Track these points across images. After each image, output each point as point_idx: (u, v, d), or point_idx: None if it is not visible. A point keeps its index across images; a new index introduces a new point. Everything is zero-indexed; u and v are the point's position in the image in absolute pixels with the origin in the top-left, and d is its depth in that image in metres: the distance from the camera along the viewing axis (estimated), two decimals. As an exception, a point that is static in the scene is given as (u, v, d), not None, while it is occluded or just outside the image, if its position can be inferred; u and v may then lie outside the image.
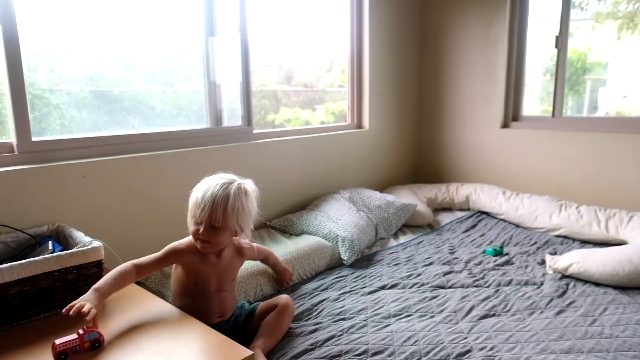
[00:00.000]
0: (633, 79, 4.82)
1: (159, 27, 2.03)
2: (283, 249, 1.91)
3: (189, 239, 1.36)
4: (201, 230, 1.28)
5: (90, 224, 1.65)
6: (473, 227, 2.55)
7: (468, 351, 1.34)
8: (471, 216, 2.70)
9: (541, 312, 1.59)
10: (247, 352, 1.06)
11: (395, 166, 3.10)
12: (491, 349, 1.35)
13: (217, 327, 1.35)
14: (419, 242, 2.31)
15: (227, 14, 2.16)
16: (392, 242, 2.32)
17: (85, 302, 1.10)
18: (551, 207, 2.43)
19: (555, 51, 2.68)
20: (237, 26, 2.17)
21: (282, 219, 2.25)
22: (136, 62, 2.12)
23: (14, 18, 1.51)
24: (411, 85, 3.15)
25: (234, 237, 1.41)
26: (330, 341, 1.40)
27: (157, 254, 1.33)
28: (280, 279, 1.75)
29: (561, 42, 2.65)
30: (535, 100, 4.56)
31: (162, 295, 1.51)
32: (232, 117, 2.27)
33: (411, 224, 2.55)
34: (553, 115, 2.74)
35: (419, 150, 3.29)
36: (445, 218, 2.71)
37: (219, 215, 1.27)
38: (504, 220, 2.61)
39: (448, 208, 2.88)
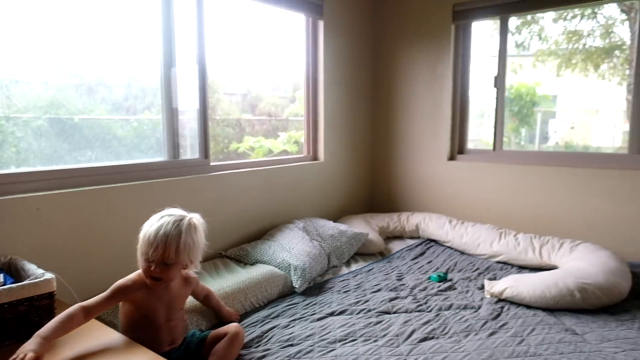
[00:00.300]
0: (578, 111, 5.19)
1: (120, 53, 2.11)
2: (236, 278, 1.98)
3: (136, 274, 1.41)
4: (153, 267, 1.34)
5: (44, 257, 1.68)
6: (422, 254, 2.69)
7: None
8: (420, 244, 2.84)
9: (476, 334, 1.71)
10: (193, 377, 1.12)
11: (350, 196, 3.23)
12: (427, 369, 1.46)
13: (167, 355, 1.41)
14: (370, 270, 2.42)
15: (186, 45, 2.25)
16: (344, 270, 2.42)
17: (28, 351, 1.11)
18: (492, 235, 2.60)
19: (499, 89, 2.91)
20: (196, 57, 2.26)
21: (237, 249, 2.32)
22: (98, 89, 2.18)
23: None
24: (365, 119, 3.32)
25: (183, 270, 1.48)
26: (277, 366, 1.47)
27: (104, 293, 1.35)
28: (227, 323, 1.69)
29: (499, 82, 2.88)
30: (491, 130, 4.82)
31: (113, 325, 1.55)
32: (193, 149, 2.35)
33: (363, 252, 2.67)
34: (494, 149, 2.95)
35: (373, 181, 3.44)
36: (396, 246, 2.84)
37: (171, 253, 1.33)
38: (451, 248, 2.76)
39: (399, 236, 3.01)
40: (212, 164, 2.38)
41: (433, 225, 2.88)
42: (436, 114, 3.09)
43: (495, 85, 2.89)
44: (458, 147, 3.11)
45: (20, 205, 1.64)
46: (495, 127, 2.94)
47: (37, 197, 1.69)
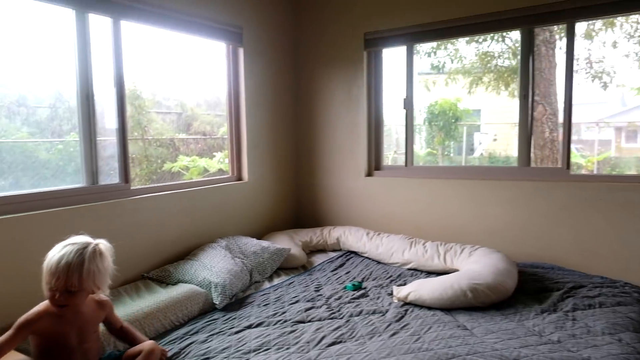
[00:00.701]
0: (500, 125, 5.64)
1: (43, 73, 2.13)
2: (156, 298, 2.05)
3: (42, 304, 1.44)
4: (57, 296, 1.39)
5: None
6: (341, 265, 2.85)
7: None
8: (341, 256, 3.02)
9: (379, 336, 1.89)
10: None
11: (275, 214, 3.36)
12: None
13: (81, 376, 1.46)
14: (290, 283, 2.55)
15: (105, 67, 2.30)
16: (266, 285, 2.54)
17: None
18: (403, 245, 2.82)
19: (408, 110, 3.16)
20: (113, 79, 2.32)
21: (160, 270, 2.38)
22: (19, 110, 2.17)
23: None
24: (289, 139, 3.48)
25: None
26: (190, 378, 1.56)
27: (9, 332, 1.38)
28: None
29: (407, 103, 3.14)
30: (424, 144, 5.11)
31: (26, 352, 1.58)
32: (113, 173, 2.40)
33: (286, 267, 2.80)
34: (406, 165, 3.20)
35: (298, 198, 3.60)
36: (318, 259, 2.99)
37: (74, 281, 1.38)
38: (368, 258, 2.95)
39: (322, 250, 3.18)
40: (133, 188, 2.44)
41: (352, 237, 3.07)
42: (353, 134, 3.30)
43: (404, 107, 3.15)
44: (375, 164, 3.33)
45: None
46: (406, 145, 3.19)
47: (-55, 228, 1.69)
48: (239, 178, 3.12)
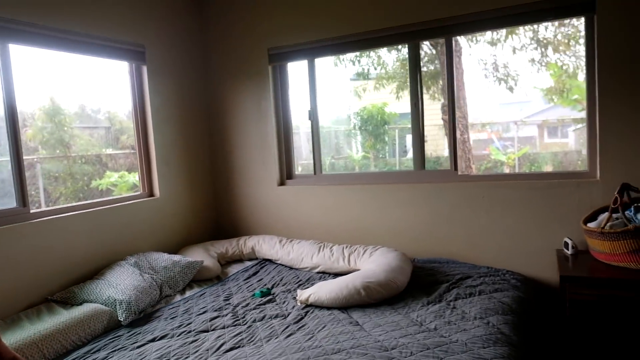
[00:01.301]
0: (429, 127, 5.92)
1: None
2: (57, 320, 2.06)
3: None
4: None
5: None
6: (255, 274, 2.96)
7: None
8: (256, 264, 3.12)
9: (276, 338, 2.01)
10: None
11: (191, 228, 3.41)
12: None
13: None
14: (202, 295, 2.62)
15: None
16: (177, 298, 2.59)
17: None
18: (312, 249, 2.96)
19: (313, 121, 3.33)
20: (2, 99, 2.29)
21: (64, 292, 2.37)
22: None
23: None
24: (203, 153, 3.55)
25: None
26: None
27: None
28: None
29: (313, 115, 3.30)
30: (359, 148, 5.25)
31: None
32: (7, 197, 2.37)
33: (200, 279, 2.86)
34: (315, 173, 3.36)
35: (216, 210, 3.66)
36: (233, 269, 3.08)
37: None
38: (281, 265, 3.08)
39: (239, 259, 3.26)
40: (32, 211, 2.42)
41: (266, 245, 3.18)
42: (264, 145, 3.42)
43: (310, 118, 3.32)
44: (287, 173, 3.47)
45: None
46: (313, 154, 3.36)
47: None
48: (151, 194, 3.15)
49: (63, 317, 2.09)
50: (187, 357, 1.87)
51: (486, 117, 4.97)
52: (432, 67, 5.48)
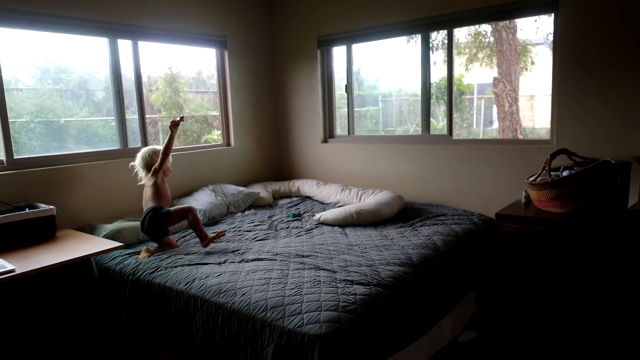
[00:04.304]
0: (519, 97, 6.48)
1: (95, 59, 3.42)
2: (162, 216, 3.35)
3: None
4: None
5: (55, 200, 3.03)
6: (296, 205, 4.07)
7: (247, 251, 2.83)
8: (298, 199, 4.24)
9: (290, 237, 3.09)
10: None
11: (256, 170, 4.60)
12: (263, 251, 2.85)
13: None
14: (255, 214, 3.80)
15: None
16: (238, 214, 3.80)
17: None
18: (337, 190, 3.99)
19: (349, 93, 4.28)
20: None
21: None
22: (80, 94, 3.44)
23: None
24: (268, 115, 4.69)
25: None
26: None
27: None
28: None
29: (349, 88, 4.26)
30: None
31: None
32: (134, 138, 3.70)
33: (257, 205, 4.05)
34: (349, 134, 4.35)
35: (276, 159, 4.82)
36: (282, 202, 4.21)
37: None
38: (316, 200, 4.16)
39: (288, 196, 4.40)
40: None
41: (307, 186, 4.27)
42: (313, 111, 4.47)
43: (346, 91, 4.28)
44: (329, 133, 4.49)
45: (38, 174, 3.00)
46: (348, 120, 4.33)
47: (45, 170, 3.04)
48: (228, 144, 4.38)
49: (166, 214, 3.39)
50: (233, 242, 3.04)
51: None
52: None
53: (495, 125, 6.45)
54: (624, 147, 2.95)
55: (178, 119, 3.00)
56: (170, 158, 3.06)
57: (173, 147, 3.02)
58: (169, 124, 2.97)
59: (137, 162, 3.05)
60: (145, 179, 3.02)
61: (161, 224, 2.86)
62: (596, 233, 2.59)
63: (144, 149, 3.08)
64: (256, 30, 4.48)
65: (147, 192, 2.96)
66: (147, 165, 3.01)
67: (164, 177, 3.04)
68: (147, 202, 2.94)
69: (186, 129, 4.26)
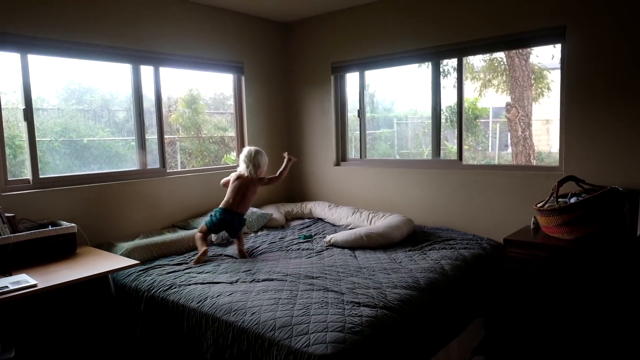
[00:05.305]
0: (533, 121, 6.57)
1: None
2: (178, 235, 3.44)
3: None
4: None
5: (69, 218, 3.16)
6: (307, 227, 4.14)
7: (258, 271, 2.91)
8: (310, 221, 4.31)
9: (300, 258, 3.16)
10: None
11: (270, 192, 4.70)
12: (274, 271, 2.92)
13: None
14: (267, 234, 3.88)
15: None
16: (251, 235, 3.89)
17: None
18: (348, 212, 4.06)
19: (362, 118, 4.38)
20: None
21: (183, 221, 3.81)
22: (102, 114, 3.60)
23: None
24: (282, 138, 4.81)
25: None
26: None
27: None
28: None
29: (361, 113, 4.36)
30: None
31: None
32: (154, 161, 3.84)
33: (270, 225, 4.13)
34: (361, 158, 4.44)
35: (289, 181, 4.92)
36: (295, 223, 4.30)
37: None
38: (327, 222, 4.23)
39: (300, 217, 4.48)
40: (168, 170, 3.87)
41: (319, 208, 4.35)
42: (326, 135, 4.57)
43: (358, 116, 4.38)
44: (342, 156, 4.59)
45: (58, 193, 3.14)
46: (360, 144, 4.42)
47: (63, 189, 3.18)
48: (243, 166, 4.49)
49: (182, 234, 3.48)
50: (245, 262, 3.12)
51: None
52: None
53: (510, 149, 6.50)
54: (631, 175, 2.99)
55: (295, 158, 3.63)
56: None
57: (196, 168, 3.15)
58: (288, 158, 3.60)
59: (244, 157, 3.41)
60: (246, 173, 3.37)
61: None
62: (603, 260, 2.61)
63: (251, 148, 3.45)
64: (272, 57, 4.64)
65: (250, 196, 3.36)
66: (251, 162, 3.37)
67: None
68: (246, 204, 3.35)
69: (203, 150, 4.41)
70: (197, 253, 3.20)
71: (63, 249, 2.80)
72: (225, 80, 4.41)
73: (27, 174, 3.12)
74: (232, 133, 4.52)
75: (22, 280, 2.26)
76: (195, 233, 3.31)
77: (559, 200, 3.00)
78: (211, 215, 3.34)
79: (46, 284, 2.24)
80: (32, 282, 2.24)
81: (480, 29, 3.49)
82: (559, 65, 3.29)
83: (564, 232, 2.84)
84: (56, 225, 2.93)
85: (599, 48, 3.03)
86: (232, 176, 3.46)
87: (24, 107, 3.05)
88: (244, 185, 3.35)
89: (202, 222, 3.74)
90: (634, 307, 2.55)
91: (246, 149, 3.45)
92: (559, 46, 3.27)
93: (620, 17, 2.94)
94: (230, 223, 3.29)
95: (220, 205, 3.34)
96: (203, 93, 4.39)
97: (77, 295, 2.84)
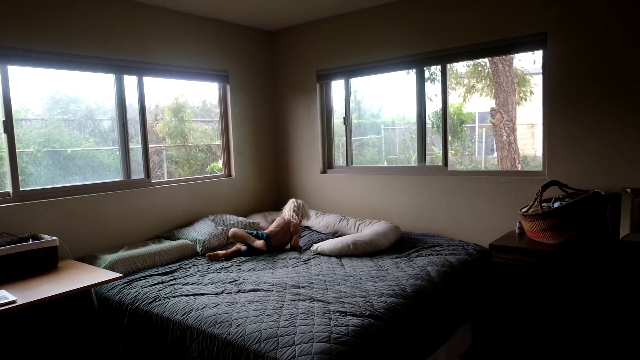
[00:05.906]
0: (518, 125, 6.66)
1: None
2: (163, 246, 3.39)
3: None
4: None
5: (57, 231, 3.10)
6: (295, 235, 4.12)
7: (244, 281, 2.88)
8: (297, 229, 4.29)
9: (287, 267, 3.14)
10: None
11: (257, 200, 4.67)
12: (260, 281, 2.90)
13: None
14: (254, 243, 3.85)
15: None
16: (238, 244, 3.86)
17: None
18: (335, 220, 4.05)
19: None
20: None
21: (168, 232, 3.76)
22: (87, 124, 3.54)
23: None
24: (268, 146, 4.80)
25: None
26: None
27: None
28: None
29: (347, 120, 4.37)
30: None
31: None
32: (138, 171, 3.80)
33: (256, 235, 4.11)
34: (347, 165, 4.43)
35: (276, 189, 4.90)
36: (281, 231, 4.28)
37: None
38: (314, 230, 4.21)
39: (288, 225, 4.46)
40: (153, 181, 3.83)
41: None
42: (312, 142, 4.57)
43: (344, 123, 4.38)
44: (328, 164, 4.58)
45: (39, 205, 3.08)
46: (346, 151, 4.42)
47: (45, 202, 3.13)
48: (229, 175, 4.47)
49: (167, 245, 3.44)
50: (232, 272, 3.09)
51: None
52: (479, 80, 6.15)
53: (495, 154, 6.56)
54: (614, 178, 3.02)
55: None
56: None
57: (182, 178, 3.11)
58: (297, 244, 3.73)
59: (292, 206, 3.92)
60: (287, 216, 3.86)
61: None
62: (587, 264, 2.63)
63: (301, 203, 3.96)
64: (257, 65, 4.63)
65: (283, 234, 3.71)
66: (300, 212, 3.90)
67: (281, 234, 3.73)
68: (282, 240, 3.70)
69: (190, 158, 4.37)
70: (198, 257, 3.41)
71: (44, 263, 2.74)
72: (212, 88, 4.39)
73: (8, 187, 3.07)
74: (218, 141, 4.49)
75: (1, 296, 2.21)
76: (237, 230, 3.67)
77: (542, 205, 3.02)
78: (257, 231, 3.68)
79: (26, 300, 2.19)
80: (11, 298, 2.19)
81: (464, 36, 3.52)
82: (541, 70, 3.33)
83: (548, 236, 2.85)
84: (37, 239, 2.87)
85: (579, 54, 3.08)
86: (278, 219, 3.87)
87: (3, 118, 3.00)
88: (286, 226, 3.77)
89: (188, 233, 3.71)
90: (619, 309, 2.56)
91: (295, 202, 3.96)
92: (540, 52, 3.31)
93: (598, 25, 2.99)
94: (267, 246, 3.57)
95: (266, 231, 3.71)
96: (190, 101, 4.37)
97: (58, 310, 2.78)
